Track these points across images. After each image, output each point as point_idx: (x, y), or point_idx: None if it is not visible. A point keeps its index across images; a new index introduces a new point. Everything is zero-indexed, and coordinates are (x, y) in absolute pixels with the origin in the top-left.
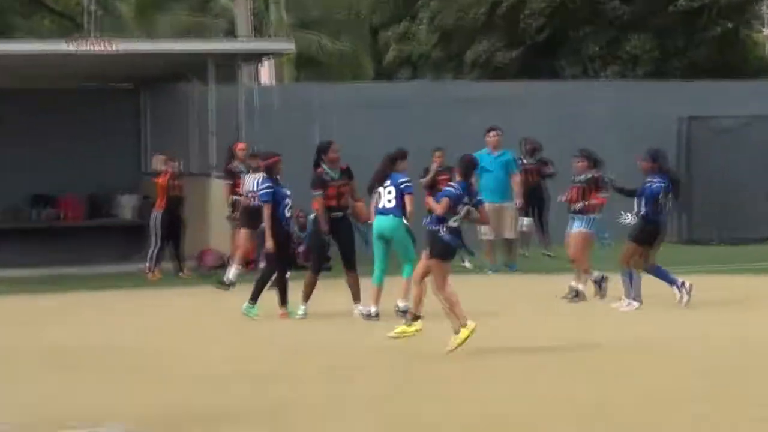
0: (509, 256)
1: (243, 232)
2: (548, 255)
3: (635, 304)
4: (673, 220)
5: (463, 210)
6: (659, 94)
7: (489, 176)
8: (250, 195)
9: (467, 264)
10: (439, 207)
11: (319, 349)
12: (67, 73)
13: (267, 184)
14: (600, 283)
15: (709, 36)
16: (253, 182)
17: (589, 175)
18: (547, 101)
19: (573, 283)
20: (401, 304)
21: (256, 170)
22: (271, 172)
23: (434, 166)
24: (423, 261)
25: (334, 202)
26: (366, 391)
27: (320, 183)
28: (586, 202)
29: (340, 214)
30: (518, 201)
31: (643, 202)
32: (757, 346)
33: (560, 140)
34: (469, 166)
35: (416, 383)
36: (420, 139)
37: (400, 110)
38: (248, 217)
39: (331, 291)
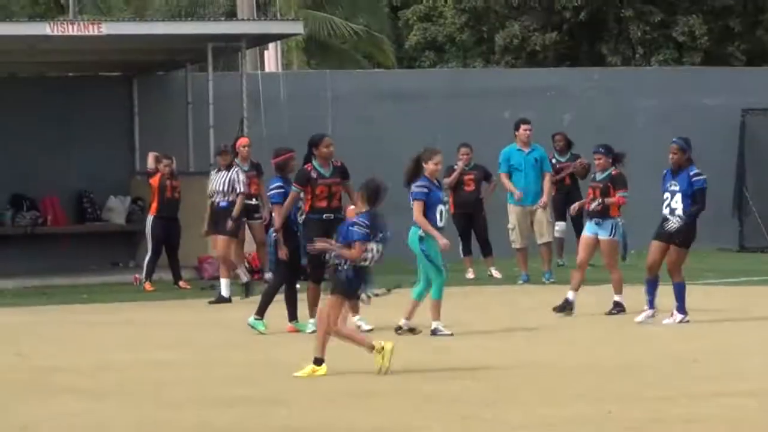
0: (545, 264)
1: (219, 239)
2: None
3: (680, 316)
4: (724, 224)
5: (372, 252)
6: (719, 83)
7: (519, 176)
8: (216, 195)
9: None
10: (354, 253)
11: (328, 370)
12: (50, 60)
13: (278, 184)
14: (566, 307)
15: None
16: (221, 182)
17: (608, 173)
18: (589, 91)
19: (616, 298)
20: (434, 324)
21: (228, 167)
22: (283, 170)
23: (460, 165)
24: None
25: (324, 203)
26: (373, 421)
27: (303, 180)
28: (602, 200)
29: (331, 215)
30: (543, 200)
31: (689, 200)
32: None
33: (606, 136)
34: (378, 193)
35: (430, 410)
36: (445, 134)
37: (424, 101)
38: (216, 220)
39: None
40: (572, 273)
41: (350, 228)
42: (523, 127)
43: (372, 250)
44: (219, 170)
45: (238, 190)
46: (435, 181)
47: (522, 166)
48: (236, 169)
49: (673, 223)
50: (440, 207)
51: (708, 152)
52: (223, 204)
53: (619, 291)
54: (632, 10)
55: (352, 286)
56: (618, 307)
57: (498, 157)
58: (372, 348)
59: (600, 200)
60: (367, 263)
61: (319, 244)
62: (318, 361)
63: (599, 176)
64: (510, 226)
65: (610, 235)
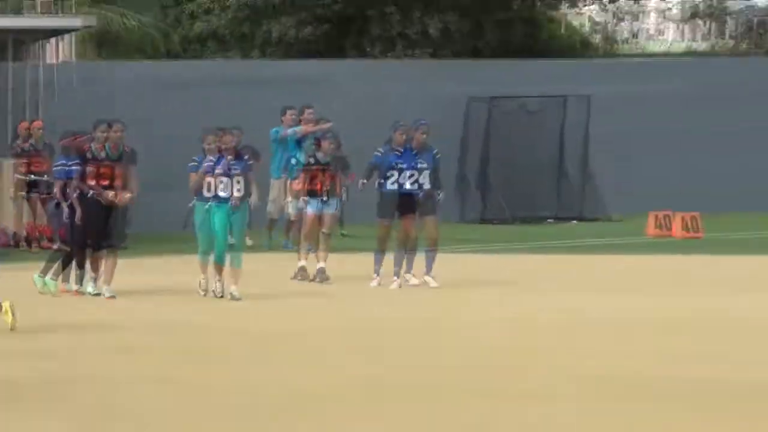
0: (288, 234)
1: None
2: (343, 234)
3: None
4: (466, 198)
5: None
6: (452, 73)
7: (282, 150)
8: None
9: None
10: None
11: (106, 327)
12: None
13: (62, 162)
14: (302, 275)
15: (507, 17)
16: None
17: (335, 156)
18: (346, 81)
19: (320, 264)
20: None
21: None
22: (69, 150)
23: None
24: None
25: (96, 182)
26: (151, 370)
27: (81, 159)
28: (344, 184)
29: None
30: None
31: (433, 174)
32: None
33: (363, 122)
34: None
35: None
36: (220, 121)
37: (200, 89)
38: None
39: (132, 269)
40: (302, 244)
41: None
42: (289, 112)
43: None
44: None
45: None
46: (211, 156)
47: (284, 143)
48: None
49: (439, 198)
50: (210, 180)
51: (445, 133)
52: None
53: (324, 259)
54: (391, 8)
55: None
56: (321, 275)
57: (268, 138)
58: None
59: (345, 185)
60: None
61: None
62: None
63: (324, 159)
64: (272, 198)
65: (335, 210)
